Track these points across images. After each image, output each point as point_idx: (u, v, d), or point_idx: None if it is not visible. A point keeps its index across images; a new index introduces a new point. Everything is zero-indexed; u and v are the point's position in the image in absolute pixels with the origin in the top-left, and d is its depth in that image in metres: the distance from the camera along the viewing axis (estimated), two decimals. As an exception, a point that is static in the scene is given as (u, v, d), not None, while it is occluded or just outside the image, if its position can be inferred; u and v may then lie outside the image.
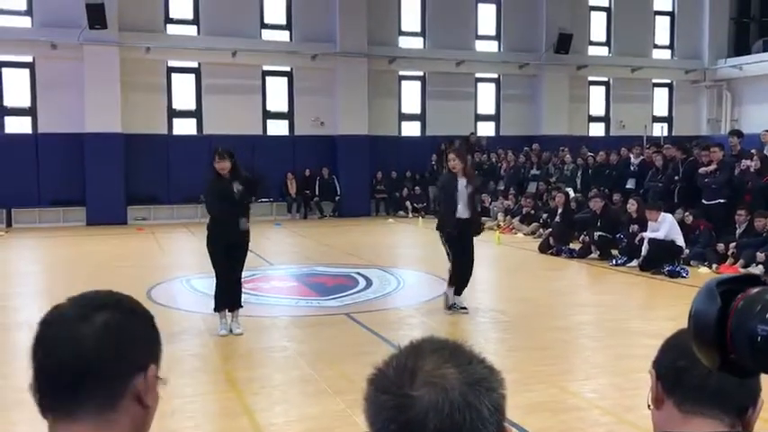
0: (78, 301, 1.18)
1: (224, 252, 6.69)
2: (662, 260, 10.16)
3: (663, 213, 10.46)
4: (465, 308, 7.60)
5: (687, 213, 11.01)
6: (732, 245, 10.23)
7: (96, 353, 1.11)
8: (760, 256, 9.59)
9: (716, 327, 0.94)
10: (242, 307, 6.92)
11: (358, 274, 10.13)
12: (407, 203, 19.49)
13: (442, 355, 0.95)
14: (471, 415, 0.90)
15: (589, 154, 16.14)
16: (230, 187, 6.62)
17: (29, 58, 17.35)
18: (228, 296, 6.79)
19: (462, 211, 7.43)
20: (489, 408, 0.92)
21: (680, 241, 10.33)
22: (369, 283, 9.50)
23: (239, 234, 6.68)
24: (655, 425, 1.33)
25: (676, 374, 1.31)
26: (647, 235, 10.43)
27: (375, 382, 0.95)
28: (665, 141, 16.85)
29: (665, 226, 10.30)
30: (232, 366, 5.86)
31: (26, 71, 17.45)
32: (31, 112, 17.51)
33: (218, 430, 4.54)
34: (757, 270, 9.46)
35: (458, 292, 7.62)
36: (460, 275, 7.56)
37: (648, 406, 1.37)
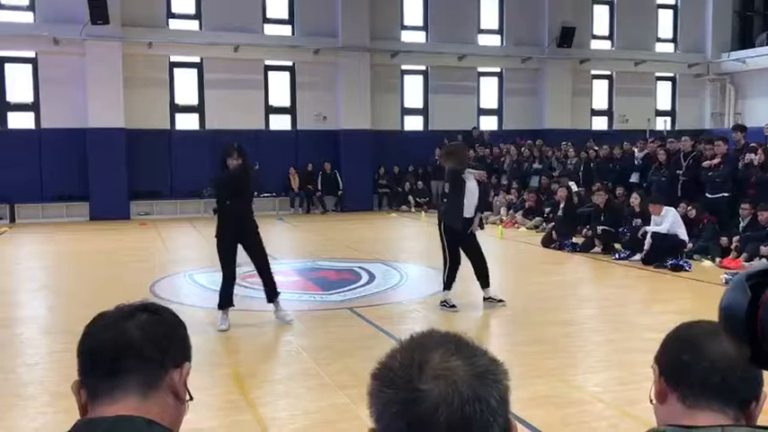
0: (122, 306, 1.34)
1: (231, 248, 6.76)
2: (665, 254, 10.15)
3: (666, 207, 10.44)
4: (503, 300, 7.62)
5: (690, 207, 10.99)
6: (735, 239, 10.22)
7: (138, 341, 1.25)
8: (764, 249, 9.58)
9: (746, 319, 0.93)
10: (279, 293, 7.01)
11: (361, 268, 10.13)
12: (410, 198, 19.48)
13: (448, 348, 0.94)
14: (481, 407, 0.90)
15: (595, 148, 16.09)
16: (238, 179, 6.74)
17: (31, 54, 17.35)
18: (231, 294, 6.86)
19: (468, 211, 7.41)
20: (497, 399, 0.92)
21: (683, 235, 10.31)
22: (372, 277, 9.51)
23: (244, 228, 6.76)
24: (658, 419, 1.33)
25: (680, 369, 1.31)
26: (651, 229, 10.41)
27: (380, 376, 0.95)
28: (668, 135, 16.80)
29: (667, 220, 10.28)
30: (236, 361, 5.87)
31: (29, 66, 17.46)
32: (33, 107, 17.51)
33: (222, 424, 4.55)
34: (761, 264, 9.44)
35: (486, 285, 7.63)
36: (479, 269, 7.57)
37: (651, 401, 1.36)
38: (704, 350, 1.29)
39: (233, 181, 6.78)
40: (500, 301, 7.62)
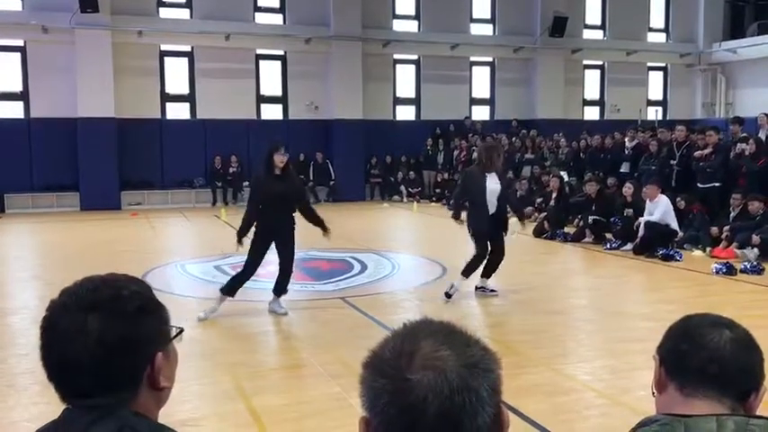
0: (78, 292, 1.24)
1: (264, 248, 6.67)
2: (656, 244, 10.19)
3: (660, 195, 10.47)
4: (495, 290, 7.64)
5: (679, 198, 11.03)
6: (726, 228, 10.27)
7: (102, 355, 1.16)
8: (755, 238, 9.63)
9: None
10: (287, 292, 6.95)
11: (353, 258, 10.13)
12: (402, 188, 19.47)
13: (438, 337, 0.94)
14: (471, 397, 0.90)
15: (589, 137, 16.07)
16: (283, 186, 6.54)
17: (20, 42, 17.19)
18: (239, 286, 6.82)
19: (491, 208, 7.32)
20: (488, 389, 0.92)
21: (674, 225, 10.36)
22: (364, 267, 9.51)
23: (284, 231, 6.65)
24: (657, 409, 1.34)
25: (678, 358, 1.32)
26: (644, 219, 10.45)
27: (371, 366, 0.95)
28: (660, 125, 16.84)
29: (660, 208, 10.32)
30: (228, 350, 5.87)
31: (17, 55, 17.30)
32: (22, 96, 17.37)
33: (214, 414, 4.55)
34: (752, 253, 9.51)
35: (486, 275, 7.61)
36: (492, 263, 7.52)
37: (653, 393, 1.38)
38: (703, 340, 1.30)
39: (284, 191, 6.55)
40: (492, 291, 7.65)
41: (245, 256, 6.80)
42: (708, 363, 1.28)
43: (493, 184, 7.32)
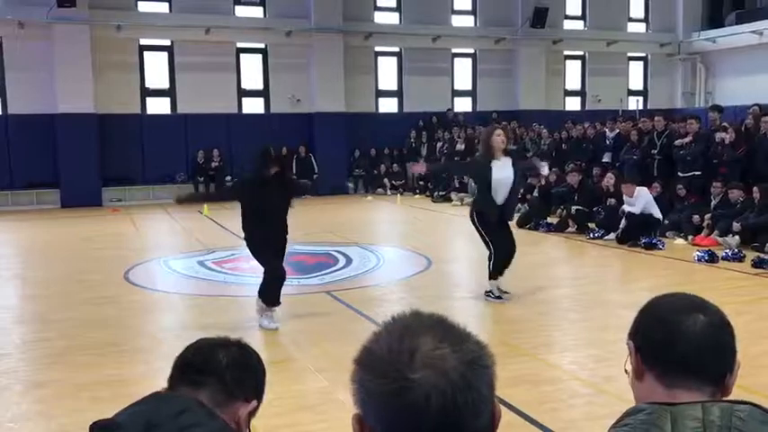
0: (223, 337, 1.62)
1: (274, 250, 6.25)
2: (639, 233, 10.27)
3: (638, 188, 10.54)
4: (508, 292, 7.13)
5: (680, 186, 11.11)
6: (707, 216, 10.37)
7: (223, 366, 1.51)
8: (736, 225, 9.74)
9: None
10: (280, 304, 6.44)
11: (338, 252, 10.13)
12: (386, 181, 19.46)
13: (436, 334, 0.92)
14: (473, 396, 0.89)
15: (573, 127, 16.08)
16: (275, 194, 6.09)
17: (-4, 38, 16.95)
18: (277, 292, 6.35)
19: (501, 197, 6.77)
20: (487, 386, 0.92)
21: (657, 214, 10.44)
22: (349, 260, 9.51)
23: (283, 237, 6.30)
24: (637, 396, 1.34)
25: (654, 348, 1.31)
26: (627, 209, 10.51)
27: (367, 364, 0.92)
28: (641, 115, 16.94)
29: (640, 201, 10.39)
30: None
31: (-6, 51, 17.06)
32: (-1, 92, 17.16)
33: (200, 410, 4.52)
34: (733, 240, 9.61)
35: (500, 274, 7.07)
36: (505, 259, 7.00)
37: (626, 371, 1.37)
38: (679, 329, 1.28)
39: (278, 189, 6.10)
40: (498, 297, 7.06)
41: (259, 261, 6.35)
42: (686, 354, 1.27)
43: (500, 173, 6.73)
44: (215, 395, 1.46)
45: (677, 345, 1.28)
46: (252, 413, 1.52)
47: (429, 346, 0.90)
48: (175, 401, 1.39)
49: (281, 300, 6.33)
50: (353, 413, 0.94)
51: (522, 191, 14.44)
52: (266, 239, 6.20)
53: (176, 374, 1.51)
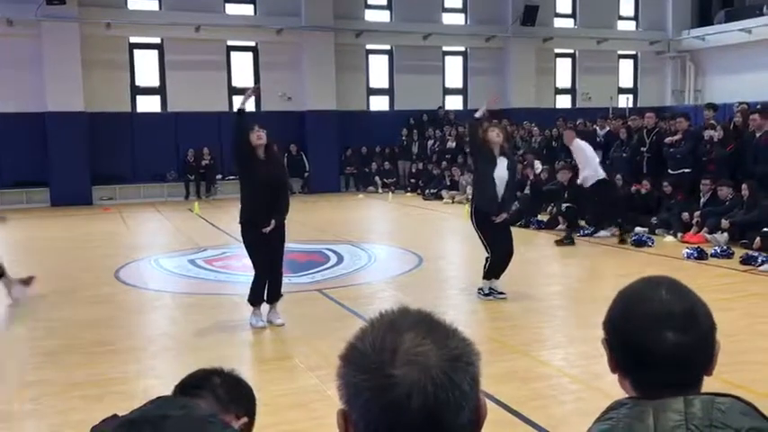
0: (219, 369, 1.78)
1: (264, 243, 6.07)
2: (611, 213, 10.69)
3: (577, 139, 10.70)
4: (503, 293, 7.09)
5: (666, 184, 11.18)
6: (696, 214, 10.43)
7: (217, 382, 1.70)
8: (725, 222, 9.80)
9: None
10: (282, 296, 6.39)
11: (329, 250, 10.13)
12: (377, 179, 19.47)
13: (420, 330, 0.92)
14: (454, 393, 0.89)
15: (564, 125, 16.10)
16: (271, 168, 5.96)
17: (-16, 36, 16.83)
18: (266, 290, 6.25)
19: (500, 193, 6.80)
20: (469, 383, 0.91)
21: (601, 172, 10.57)
22: (340, 258, 9.52)
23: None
24: (626, 389, 1.33)
25: (626, 357, 1.28)
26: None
27: (351, 360, 0.93)
28: (630, 113, 17.01)
29: (579, 155, 10.58)
30: (205, 345, 5.84)
31: (-18, 49, 16.95)
32: (-12, 91, 17.03)
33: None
34: (722, 237, 9.68)
35: (496, 276, 7.08)
36: (502, 259, 7.00)
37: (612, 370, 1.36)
38: (655, 340, 1.23)
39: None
40: (500, 293, 7.10)
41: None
42: (664, 368, 1.23)
43: (501, 170, 6.79)
44: (211, 406, 1.59)
45: (653, 358, 1.24)
46: (244, 429, 1.64)
47: (412, 342, 0.90)
48: (182, 401, 1.44)
49: (266, 298, 6.27)
50: (338, 408, 0.95)
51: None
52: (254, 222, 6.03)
53: (175, 393, 1.66)
